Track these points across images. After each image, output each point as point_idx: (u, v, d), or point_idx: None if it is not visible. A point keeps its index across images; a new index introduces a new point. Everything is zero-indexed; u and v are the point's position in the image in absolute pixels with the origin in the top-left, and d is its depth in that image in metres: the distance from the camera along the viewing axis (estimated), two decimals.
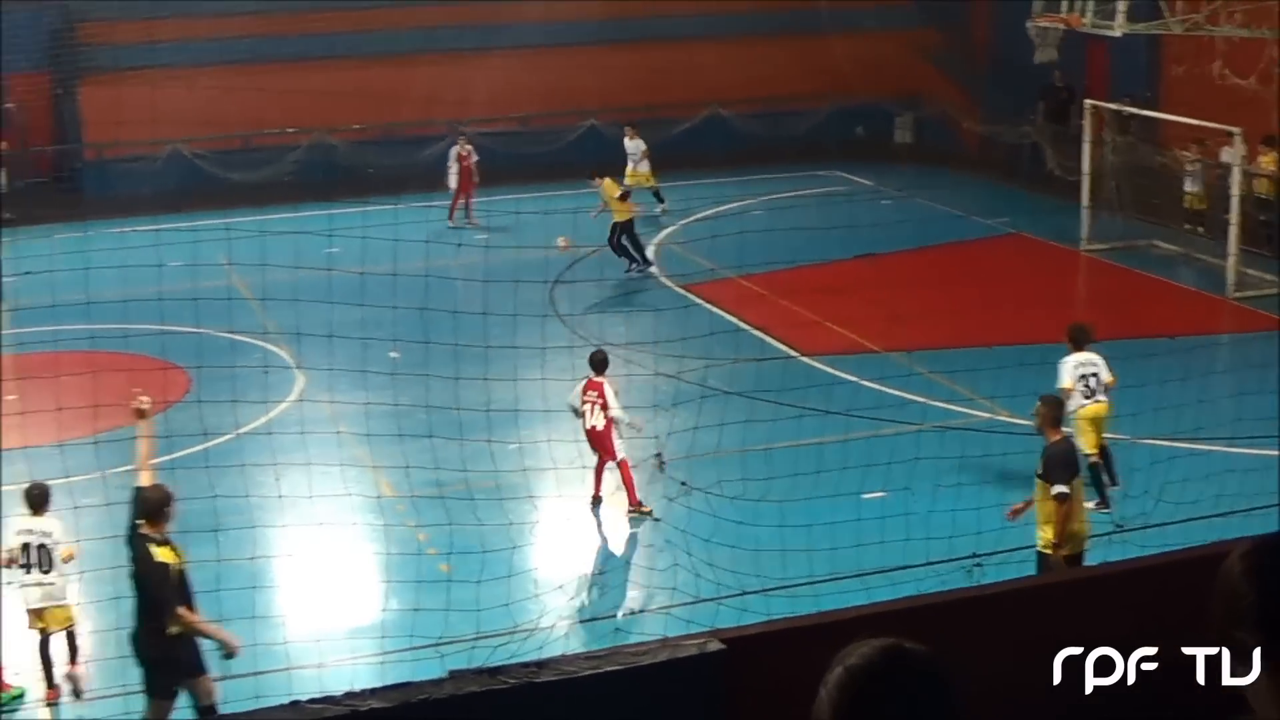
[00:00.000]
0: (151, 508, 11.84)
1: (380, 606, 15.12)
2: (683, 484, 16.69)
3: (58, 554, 13.29)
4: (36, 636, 13.46)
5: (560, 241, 27.40)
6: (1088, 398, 16.91)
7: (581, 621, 14.89)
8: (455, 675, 7.39)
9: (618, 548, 16.33)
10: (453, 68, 35.87)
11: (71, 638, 13.66)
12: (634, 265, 27.73)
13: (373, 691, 7.08)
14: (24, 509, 13.48)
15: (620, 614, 14.63)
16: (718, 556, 14.29)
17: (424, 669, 11.88)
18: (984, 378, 19.59)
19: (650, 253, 28.55)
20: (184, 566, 11.90)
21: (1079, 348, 17.29)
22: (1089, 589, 8.86)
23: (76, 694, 13.68)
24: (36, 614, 13.39)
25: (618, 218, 27.65)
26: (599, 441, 17.20)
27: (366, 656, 13.68)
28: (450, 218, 31.58)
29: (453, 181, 32.12)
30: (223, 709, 12.14)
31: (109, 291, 20.02)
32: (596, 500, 17.42)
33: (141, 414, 12.79)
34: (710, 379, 19.67)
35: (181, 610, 11.74)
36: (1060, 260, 29.39)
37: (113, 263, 20.69)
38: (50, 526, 13.41)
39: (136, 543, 11.76)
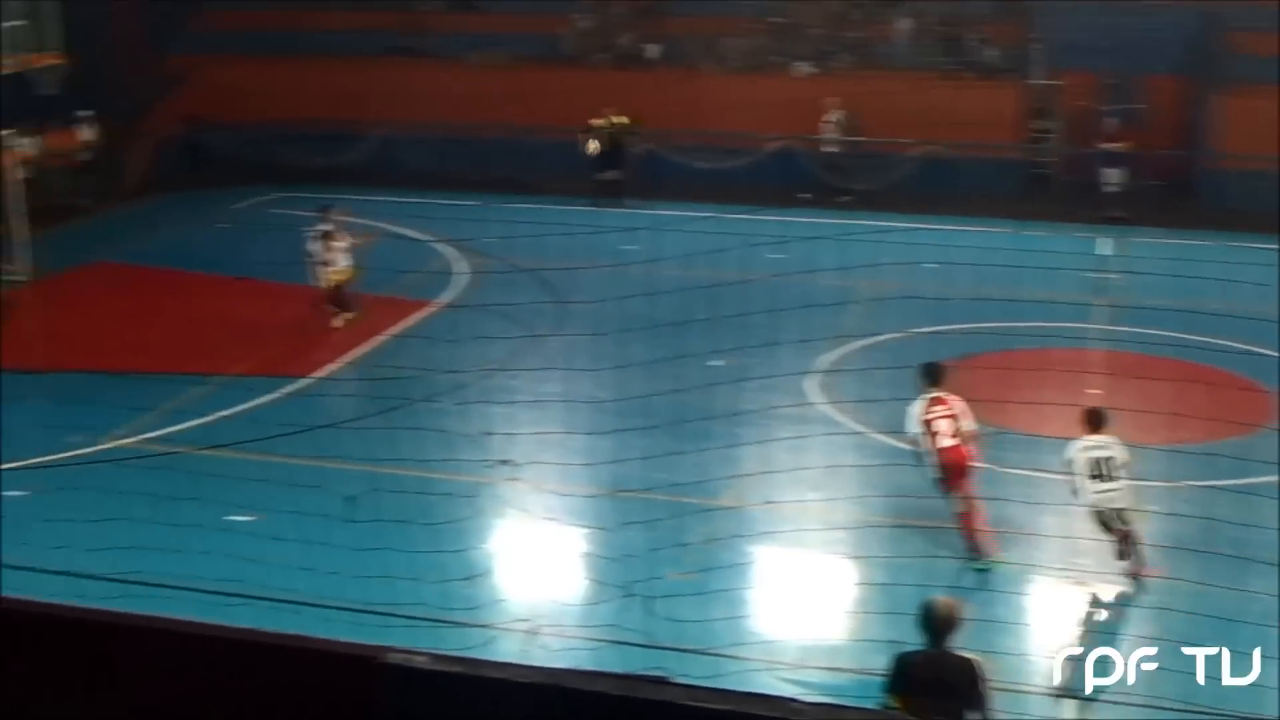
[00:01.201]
0: None
1: None
2: None
3: (1117, 465, 14.61)
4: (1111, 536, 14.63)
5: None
6: None
7: None
8: None
9: None
10: None
11: (1132, 538, 14.58)
12: None
13: None
14: (1086, 429, 14.87)
15: None
16: None
17: None
18: None
19: None
20: None
21: None
22: None
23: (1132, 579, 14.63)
24: (1108, 515, 14.60)
25: None
26: None
27: None
28: None
29: None
30: None
31: (1209, 303, 19.95)
32: None
33: None
34: None
35: None
36: None
37: (1216, 275, 20.52)
38: (1110, 441, 14.72)
39: None
